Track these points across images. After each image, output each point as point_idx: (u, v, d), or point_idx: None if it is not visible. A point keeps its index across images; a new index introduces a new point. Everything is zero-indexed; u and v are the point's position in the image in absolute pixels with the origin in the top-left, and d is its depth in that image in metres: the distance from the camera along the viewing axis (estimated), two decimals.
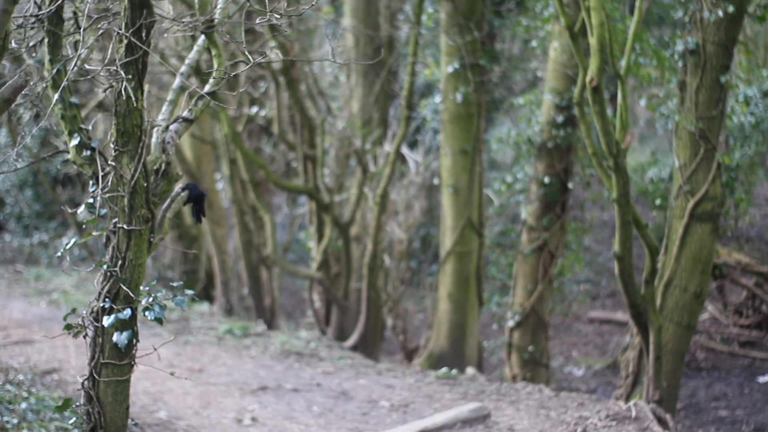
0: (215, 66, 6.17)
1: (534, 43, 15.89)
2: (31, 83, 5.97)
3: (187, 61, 6.35)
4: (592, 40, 9.07)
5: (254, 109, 17.13)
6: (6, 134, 21.40)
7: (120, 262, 5.58)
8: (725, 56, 9.91)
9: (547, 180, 14.21)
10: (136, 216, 5.53)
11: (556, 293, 16.44)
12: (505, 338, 14.89)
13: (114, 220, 5.57)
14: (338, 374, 12.07)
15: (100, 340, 5.64)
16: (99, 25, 5.74)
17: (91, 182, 5.66)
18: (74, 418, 6.21)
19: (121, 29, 5.43)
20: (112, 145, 5.55)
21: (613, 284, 21.25)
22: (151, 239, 5.67)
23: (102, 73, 5.66)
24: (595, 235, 22.11)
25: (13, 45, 5.86)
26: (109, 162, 5.54)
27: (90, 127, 5.77)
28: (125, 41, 5.42)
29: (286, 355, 13.02)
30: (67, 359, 11.67)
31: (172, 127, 5.94)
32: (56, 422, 8.04)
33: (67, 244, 5.79)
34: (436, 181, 17.53)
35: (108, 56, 5.58)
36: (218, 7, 6.20)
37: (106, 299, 5.59)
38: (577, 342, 20.10)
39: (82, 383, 5.72)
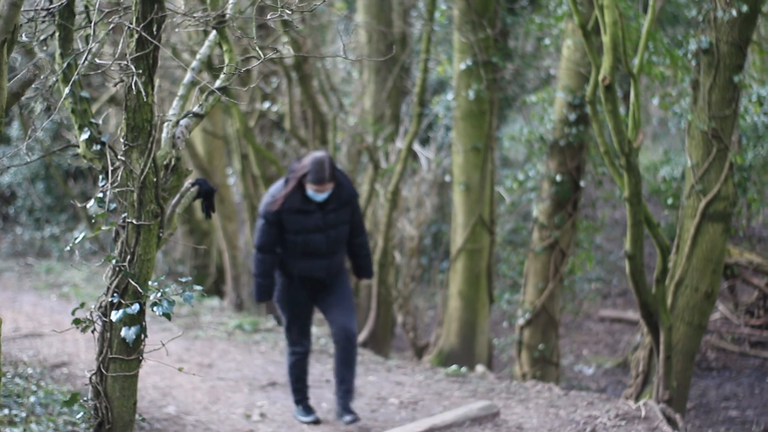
0: (226, 61, 6.16)
1: (547, 41, 15.85)
2: (42, 77, 5.96)
3: (198, 56, 6.34)
4: (605, 39, 9.04)
5: (266, 105, 17.12)
6: (18, 127, 21.44)
7: (129, 257, 5.57)
8: (739, 56, 9.86)
9: (558, 178, 14.18)
10: (146, 211, 5.53)
11: (567, 291, 16.43)
12: (516, 336, 14.87)
13: (123, 215, 5.57)
14: None
15: (108, 335, 5.64)
16: (110, 20, 5.74)
17: (101, 177, 5.66)
18: (82, 413, 6.21)
19: (132, 24, 5.42)
20: (122, 140, 5.54)
21: (624, 283, 21.23)
22: (161, 234, 5.66)
23: (113, 68, 5.65)
24: (606, 234, 22.08)
25: (24, 38, 5.86)
26: (119, 157, 5.54)
27: (101, 122, 5.77)
28: (136, 36, 5.41)
29: None
30: (77, 353, 11.68)
31: (182, 122, 5.93)
32: (65, 416, 8.05)
33: (76, 239, 5.79)
34: (447, 178, 17.51)
35: (119, 50, 5.57)
36: (230, 2, 6.19)
37: (115, 294, 5.59)
38: (588, 340, 20.07)
39: (90, 378, 5.72)
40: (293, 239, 9.02)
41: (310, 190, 8.87)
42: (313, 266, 9.16)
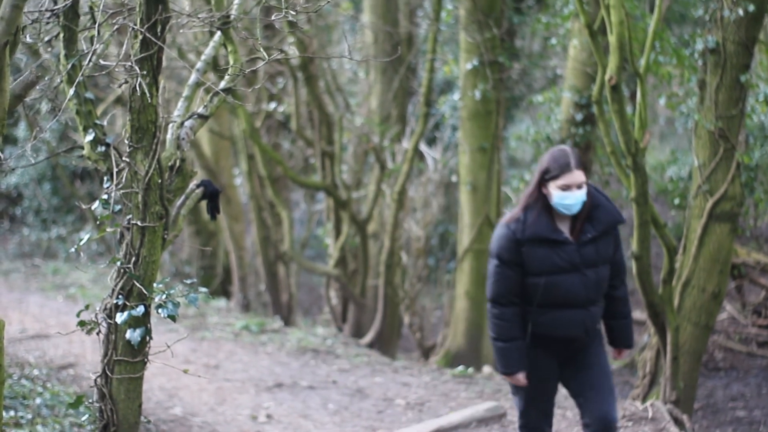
0: (231, 62, 6.14)
1: (554, 41, 15.82)
2: (47, 78, 5.95)
3: (203, 57, 6.32)
4: (612, 39, 9.01)
5: (272, 105, 17.11)
6: (25, 128, 21.45)
7: (134, 258, 5.55)
8: (746, 55, 9.83)
9: None
10: (150, 213, 5.51)
11: None
12: None
13: (128, 217, 5.55)
14: (354, 372, 12.04)
15: (113, 337, 5.62)
16: (115, 21, 5.72)
17: (105, 178, 5.64)
18: (87, 415, 6.21)
19: (136, 25, 5.41)
20: (126, 141, 5.52)
21: (630, 283, 21.17)
22: (165, 236, 5.64)
23: (117, 69, 5.63)
24: None
25: (29, 39, 5.86)
26: (124, 158, 5.52)
27: (105, 123, 5.75)
28: (140, 37, 5.39)
29: (302, 352, 13.00)
30: (83, 354, 11.67)
31: (187, 123, 5.91)
32: (70, 418, 8.04)
33: (81, 240, 5.78)
34: (454, 178, 17.48)
35: (124, 51, 5.55)
36: (235, 2, 6.17)
37: (120, 296, 5.57)
38: None
39: (95, 380, 5.71)
40: (536, 283, 6.40)
41: (557, 193, 6.26)
42: (568, 321, 6.47)
